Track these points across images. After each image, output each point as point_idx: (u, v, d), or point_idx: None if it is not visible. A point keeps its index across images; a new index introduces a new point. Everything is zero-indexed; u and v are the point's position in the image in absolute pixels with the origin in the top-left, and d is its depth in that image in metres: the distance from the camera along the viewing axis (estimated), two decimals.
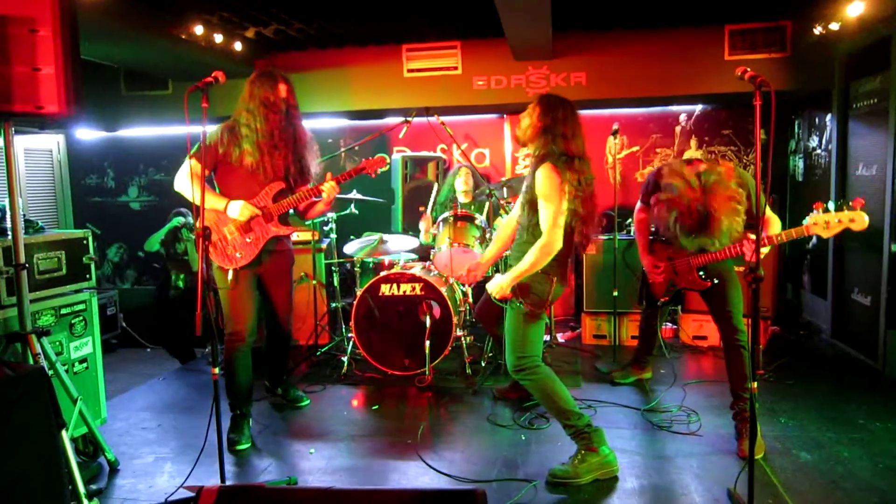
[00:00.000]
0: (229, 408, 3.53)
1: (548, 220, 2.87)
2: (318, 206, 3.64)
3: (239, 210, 3.35)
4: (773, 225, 3.25)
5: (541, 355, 3.04)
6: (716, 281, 3.42)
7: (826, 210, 2.92)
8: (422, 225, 5.13)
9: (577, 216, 2.92)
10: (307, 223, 4.65)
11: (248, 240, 3.41)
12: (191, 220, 5.51)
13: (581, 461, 2.93)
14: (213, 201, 3.38)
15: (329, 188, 3.46)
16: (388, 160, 3.63)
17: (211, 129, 3.37)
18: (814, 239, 5.57)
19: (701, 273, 3.44)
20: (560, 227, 2.88)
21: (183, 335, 5.44)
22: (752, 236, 3.18)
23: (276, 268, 3.57)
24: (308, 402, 4.00)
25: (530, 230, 3.00)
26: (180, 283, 5.42)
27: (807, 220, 3.01)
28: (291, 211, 3.57)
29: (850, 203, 2.89)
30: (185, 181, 3.36)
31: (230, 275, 3.40)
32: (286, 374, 4.03)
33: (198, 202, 3.17)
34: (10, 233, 2.81)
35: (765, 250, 3.10)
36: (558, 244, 2.89)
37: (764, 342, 5.07)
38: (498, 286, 3.00)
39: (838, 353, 4.94)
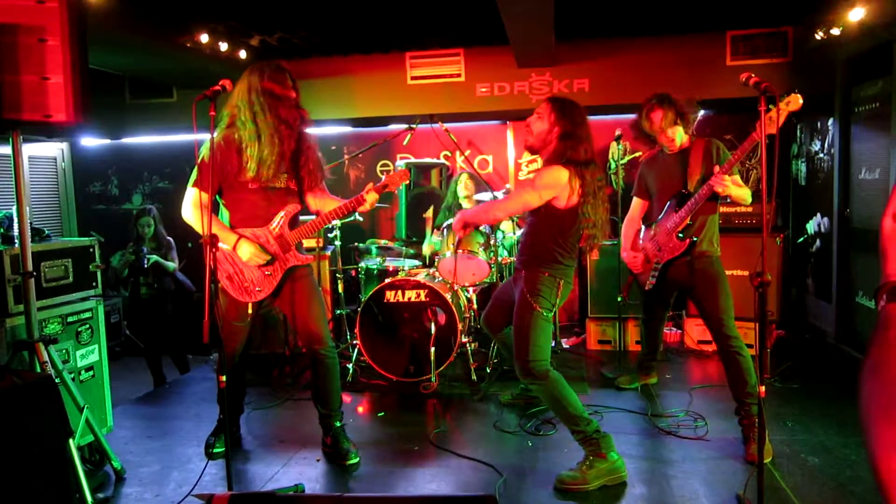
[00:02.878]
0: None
1: (513, 198, 3.02)
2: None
3: (249, 255, 3.05)
4: (745, 195, 3.38)
5: (549, 359, 3.04)
6: (694, 238, 3.43)
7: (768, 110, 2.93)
8: (435, 238, 5.13)
9: (589, 222, 2.95)
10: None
11: (267, 273, 3.16)
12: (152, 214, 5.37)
13: (589, 467, 2.92)
14: (222, 237, 3.05)
15: (372, 199, 3.12)
16: (411, 173, 3.35)
17: (203, 146, 3.01)
18: (818, 242, 5.58)
19: (680, 235, 3.46)
20: (509, 213, 3.03)
21: (157, 350, 5.37)
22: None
23: (296, 285, 3.25)
24: (358, 459, 3.28)
25: (533, 228, 3.06)
26: (150, 279, 5.29)
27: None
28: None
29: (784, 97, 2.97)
30: (191, 212, 3.06)
31: (250, 308, 3.20)
32: (337, 415, 3.37)
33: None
34: (17, 241, 2.83)
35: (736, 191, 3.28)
36: (501, 216, 3.07)
37: (769, 346, 5.07)
38: (459, 219, 3.11)
39: (844, 356, 4.93)
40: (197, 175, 3.03)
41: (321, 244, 5.18)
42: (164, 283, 5.30)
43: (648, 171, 3.78)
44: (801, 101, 2.96)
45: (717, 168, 3.31)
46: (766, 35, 5.45)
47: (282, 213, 3.15)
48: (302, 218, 3.29)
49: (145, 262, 5.13)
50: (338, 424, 3.36)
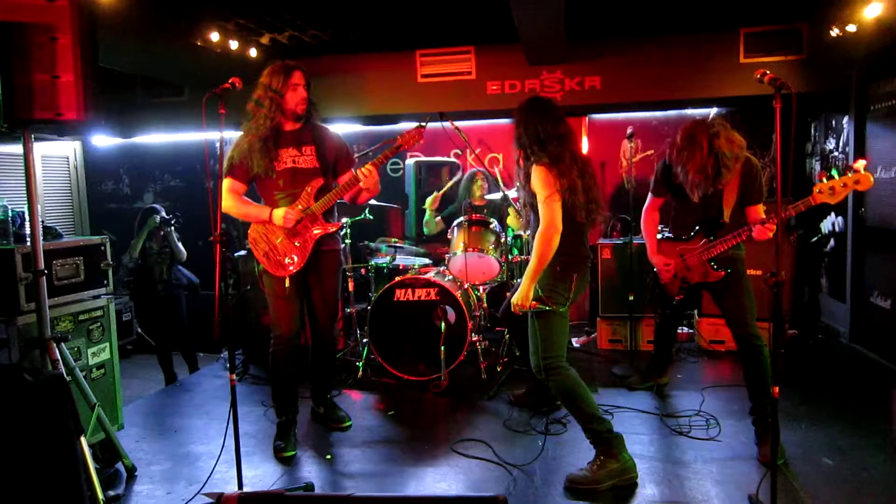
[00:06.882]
0: (275, 414, 3.54)
1: (542, 211, 2.90)
2: (363, 193, 3.45)
3: (283, 217, 3.28)
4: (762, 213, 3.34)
5: (565, 356, 3.02)
6: (729, 271, 3.38)
7: (830, 177, 2.89)
8: (427, 200, 5.18)
9: (576, 206, 2.93)
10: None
11: (296, 244, 3.35)
12: (164, 213, 5.40)
13: (600, 467, 2.90)
14: (256, 213, 3.36)
15: (365, 173, 3.27)
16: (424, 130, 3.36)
17: (233, 143, 3.40)
18: (832, 242, 5.52)
19: (713, 264, 3.42)
20: (555, 214, 2.88)
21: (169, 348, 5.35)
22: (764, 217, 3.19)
23: (322, 269, 3.47)
24: (351, 423, 3.74)
25: (537, 225, 3.02)
26: (164, 276, 5.25)
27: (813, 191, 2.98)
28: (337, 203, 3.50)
29: (852, 165, 2.86)
30: (226, 201, 3.31)
31: (287, 282, 3.34)
32: (330, 391, 3.86)
33: (240, 218, 3.41)
34: (29, 239, 2.84)
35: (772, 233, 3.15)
36: (555, 227, 2.88)
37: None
38: (520, 296, 2.94)
39: (858, 356, 4.88)
40: (230, 167, 3.35)
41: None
42: (175, 275, 5.27)
43: (676, 180, 3.47)
44: (871, 180, 2.85)
45: (766, 218, 3.20)
46: (780, 32, 5.39)
47: (307, 189, 3.34)
48: None
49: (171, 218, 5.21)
50: (329, 396, 3.79)
